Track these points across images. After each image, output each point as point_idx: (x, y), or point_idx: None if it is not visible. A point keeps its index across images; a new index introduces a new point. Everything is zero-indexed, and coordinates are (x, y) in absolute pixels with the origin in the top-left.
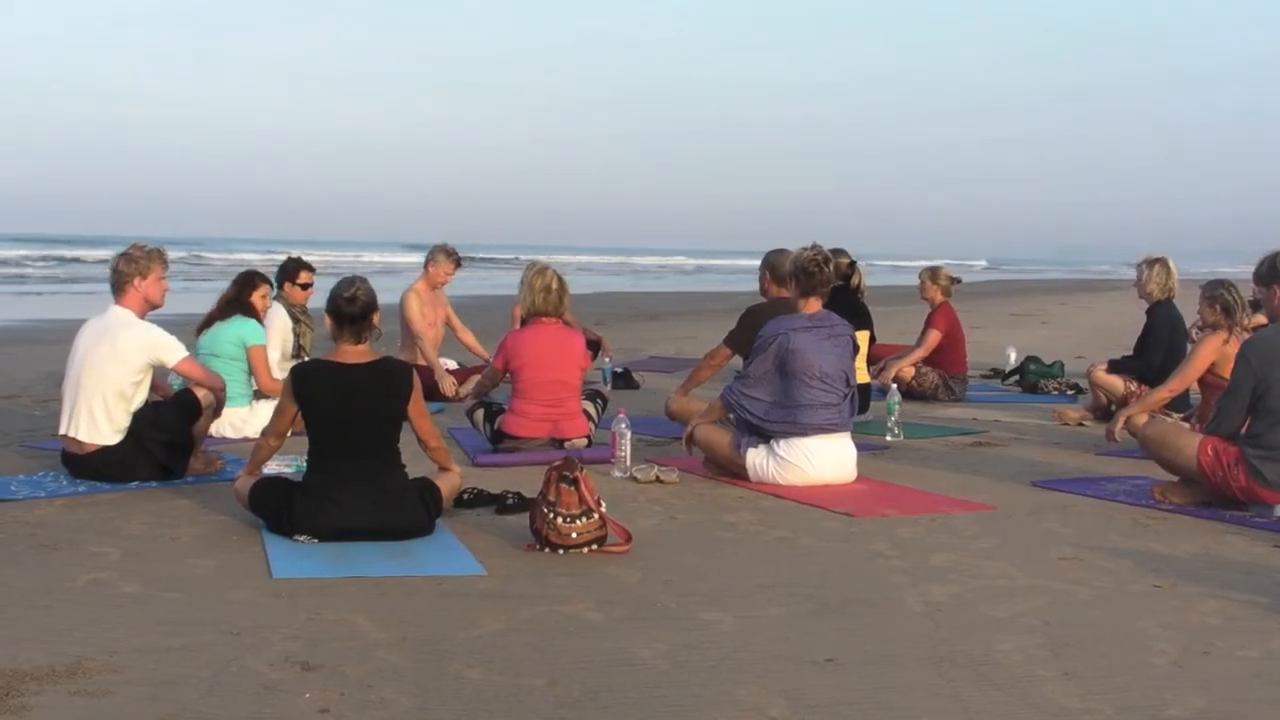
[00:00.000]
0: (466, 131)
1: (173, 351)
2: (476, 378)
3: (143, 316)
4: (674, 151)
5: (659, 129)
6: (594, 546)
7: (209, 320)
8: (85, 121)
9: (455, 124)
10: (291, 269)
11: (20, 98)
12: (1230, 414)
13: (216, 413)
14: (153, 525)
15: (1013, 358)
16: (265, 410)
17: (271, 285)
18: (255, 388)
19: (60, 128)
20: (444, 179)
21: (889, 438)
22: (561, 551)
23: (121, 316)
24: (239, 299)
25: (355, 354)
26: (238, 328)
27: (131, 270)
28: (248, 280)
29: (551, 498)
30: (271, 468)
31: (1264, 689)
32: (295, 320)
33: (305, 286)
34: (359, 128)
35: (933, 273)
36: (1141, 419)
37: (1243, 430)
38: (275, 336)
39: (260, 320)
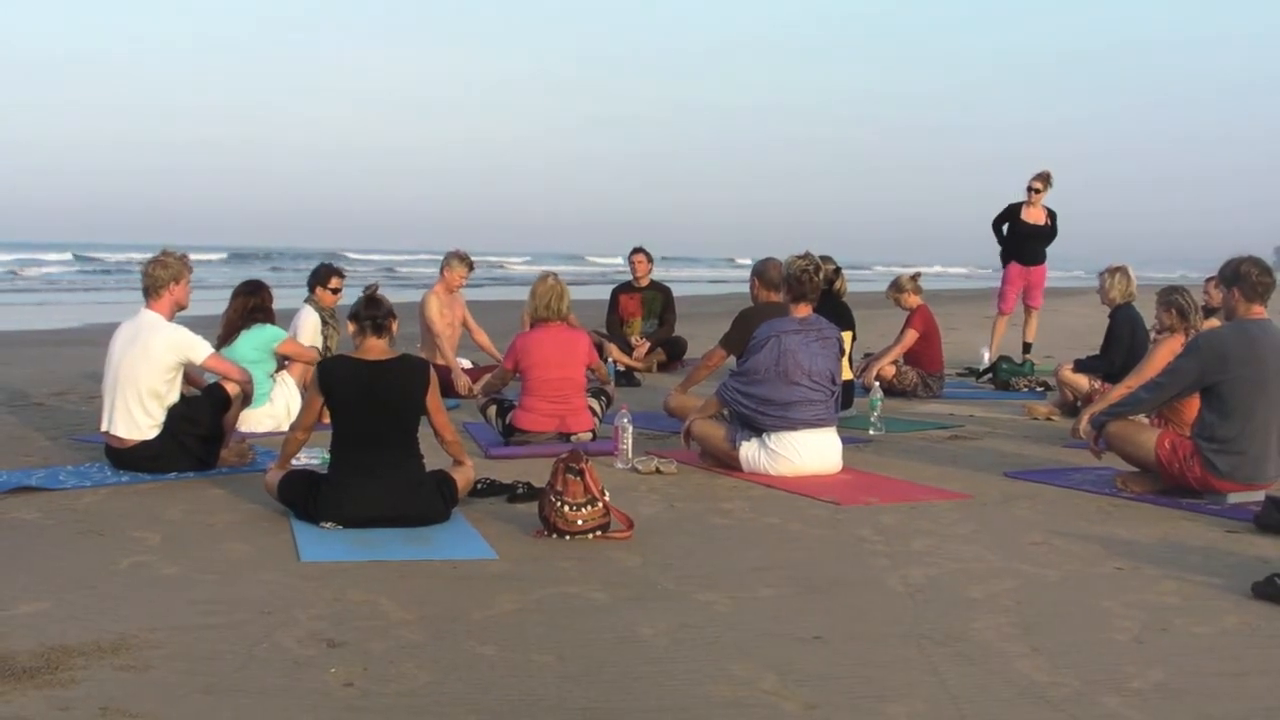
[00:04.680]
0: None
1: (200, 349)
2: (489, 377)
3: (171, 318)
4: (709, 168)
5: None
6: (598, 533)
7: (232, 329)
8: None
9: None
10: (324, 274)
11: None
12: (1151, 400)
13: (245, 402)
14: (190, 513)
15: (986, 357)
16: (282, 400)
17: (270, 293)
18: (274, 384)
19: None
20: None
21: (872, 432)
22: (568, 537)
23: (151, 320)
24: (261, 306)
25: (377, 350)
26: (258, 335)
27: (166, 275)
28: (258, 287)
29: (559, 487)
30: (300, 460)
31: (1218, 663)
32: (324, 322)
33: (335, 291)
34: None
35: (897, 284)
36: None
37: (1193, 422)
38: (306, 336)
39: (274, 321)
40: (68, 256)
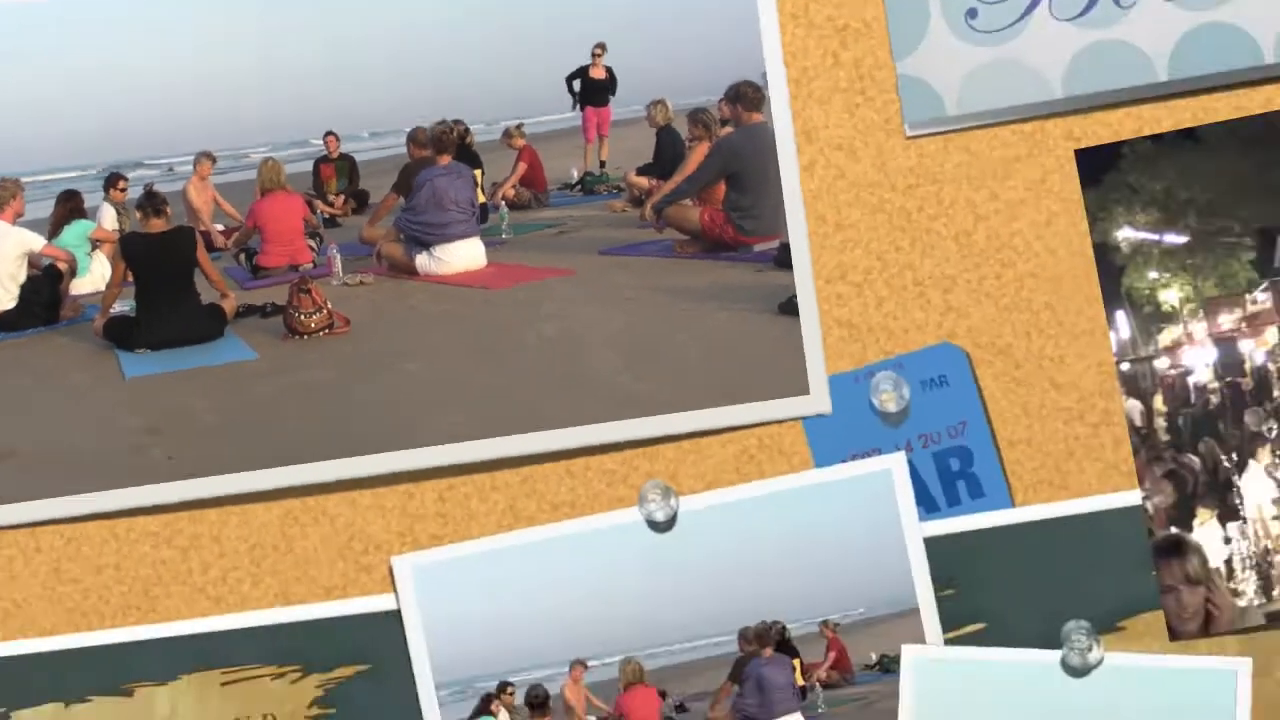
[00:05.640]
0: None
1: (37, 242)
2: (237, 234)
3: (14, 223)
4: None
5: None
6: (326, 331)
7: (57, 225)
8: None
9: None
10: (113, 179)
11: None
12: (690, 189)
13: (72, 275)
14: (43, 355)
15: (575, 174)
16: (98, 270)
17: (82, 198)
18: (91, 260)
19: None
20: None
21: (504, 236)
22: (305, 337)
23: (2, 227)
24: (76, 207)
25: (159, 226)
26: (76, 227)
27: (5, 195)
28: (72, 194)
29: (295, 303)
30: (116, 309)
31: (765, 363)
32: (119, 214)
33: (123, 190)
34: None
35: (507, 132)
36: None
37: (721, 200)
38: (108, 223)
39: (85, 216)
40: None
